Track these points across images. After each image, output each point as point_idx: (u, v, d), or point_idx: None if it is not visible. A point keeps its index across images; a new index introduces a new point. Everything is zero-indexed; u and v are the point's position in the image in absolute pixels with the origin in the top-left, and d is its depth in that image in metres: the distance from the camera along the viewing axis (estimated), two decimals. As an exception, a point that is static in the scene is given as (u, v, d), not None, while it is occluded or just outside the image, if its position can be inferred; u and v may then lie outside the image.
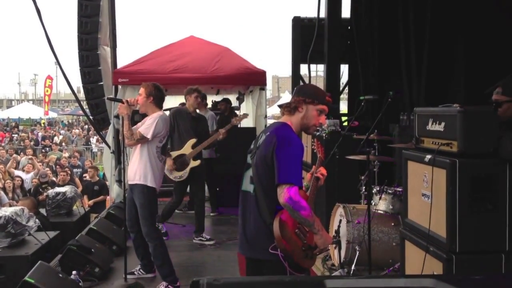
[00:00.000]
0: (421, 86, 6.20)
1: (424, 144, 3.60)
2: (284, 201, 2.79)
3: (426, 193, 3.43)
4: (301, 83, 9.10)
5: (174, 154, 6.44)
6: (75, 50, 8.44)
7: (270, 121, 8.72)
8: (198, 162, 6.53)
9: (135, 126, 5.08)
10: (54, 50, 6.63)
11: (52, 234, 6.04)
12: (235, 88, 10.24)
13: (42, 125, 35.19)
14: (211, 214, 8.17)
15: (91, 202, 10.21)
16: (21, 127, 32.35)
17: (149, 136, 4.92)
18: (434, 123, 3.45)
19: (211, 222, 8.14)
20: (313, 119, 3.05)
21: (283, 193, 2.79)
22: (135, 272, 5.33)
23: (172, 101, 10.95)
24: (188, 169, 6.48)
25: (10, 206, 7.64)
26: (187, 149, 6.47)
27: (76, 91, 8.12)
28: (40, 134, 26.29)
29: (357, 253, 4.85)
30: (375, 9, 7.69)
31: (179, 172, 6.47)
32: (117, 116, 5.04)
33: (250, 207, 2.99)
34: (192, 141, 6.47)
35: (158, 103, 5.15)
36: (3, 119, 37.89)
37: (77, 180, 11.79)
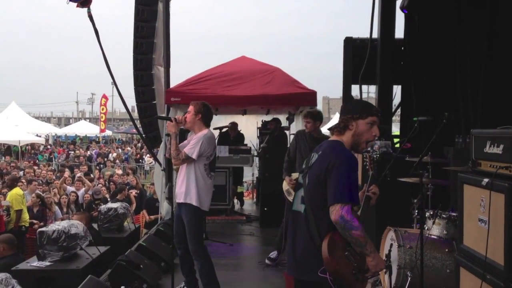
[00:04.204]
0: (477, 107, 5.99)
1: (481, 167, 3.46)
2: (336, 219, 2.72)
3: (483, 218, 3.29)
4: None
5: (295, 175, 6.14)
6: (130, 70, 8.70)
7: (320, 142, 8.64)
8: None
9: (181, 144, 5.12)
10: (110, 70, 6.81)
11: (102, 249, 6.14)
12: (285, 108, 10.25)
13: (99, 142, 36.36)
14: None
15: (153, 217, 10.20)
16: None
17: (194, 156, 4.94)
18: (492, 146, 3.32)
19: (258, 242, 8.12)
20: (366, 133, 2.98)
21: (335, 211, 2.72)
22: (179, 289, 5.34)
23: (223, 121, 11.12)
24: None
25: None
26: None
27: (130, 110, 8.28)
28: (95, 151, 27.13)
29: (409, 279, 4.68)
30: (429, 29, 7.53)
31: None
32: (168, 134, 5.10)
33: (300, 227, 2.94)
34: None
35: (206, 121, 5.17)
36: (60, 136, 39.31)
37: (131, 196, 11.93)
